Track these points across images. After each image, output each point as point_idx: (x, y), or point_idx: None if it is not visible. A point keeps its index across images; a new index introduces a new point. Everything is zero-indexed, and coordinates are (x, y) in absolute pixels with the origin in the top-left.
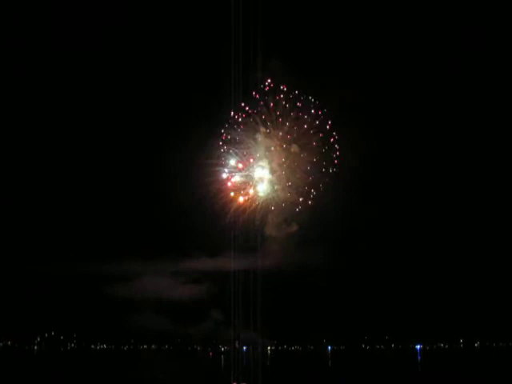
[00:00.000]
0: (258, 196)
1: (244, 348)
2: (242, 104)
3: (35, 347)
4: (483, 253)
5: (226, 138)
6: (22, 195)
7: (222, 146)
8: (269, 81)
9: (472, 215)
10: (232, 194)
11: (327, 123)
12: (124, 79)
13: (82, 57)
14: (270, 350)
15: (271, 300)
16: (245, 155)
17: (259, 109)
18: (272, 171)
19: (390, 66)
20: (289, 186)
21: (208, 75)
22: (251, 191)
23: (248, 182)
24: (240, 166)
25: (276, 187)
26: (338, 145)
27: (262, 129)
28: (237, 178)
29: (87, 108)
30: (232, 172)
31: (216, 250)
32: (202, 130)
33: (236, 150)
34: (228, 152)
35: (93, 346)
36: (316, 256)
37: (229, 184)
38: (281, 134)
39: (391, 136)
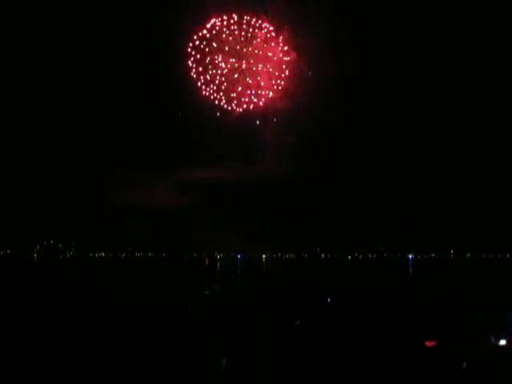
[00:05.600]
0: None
1: (238, 255)
2: None
3: (35, 255)
4: (477, 163)
5: None
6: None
7: None
8: None
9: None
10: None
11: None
12: None
13: None
14: (265, 257)
15: (265, 209)
16: None
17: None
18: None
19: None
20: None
21: None
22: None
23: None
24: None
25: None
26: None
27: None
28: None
29: None
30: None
31: (212, 160)
32: None
33: None
34: None
35: (91, 254)
36: (310, 166)
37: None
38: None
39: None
